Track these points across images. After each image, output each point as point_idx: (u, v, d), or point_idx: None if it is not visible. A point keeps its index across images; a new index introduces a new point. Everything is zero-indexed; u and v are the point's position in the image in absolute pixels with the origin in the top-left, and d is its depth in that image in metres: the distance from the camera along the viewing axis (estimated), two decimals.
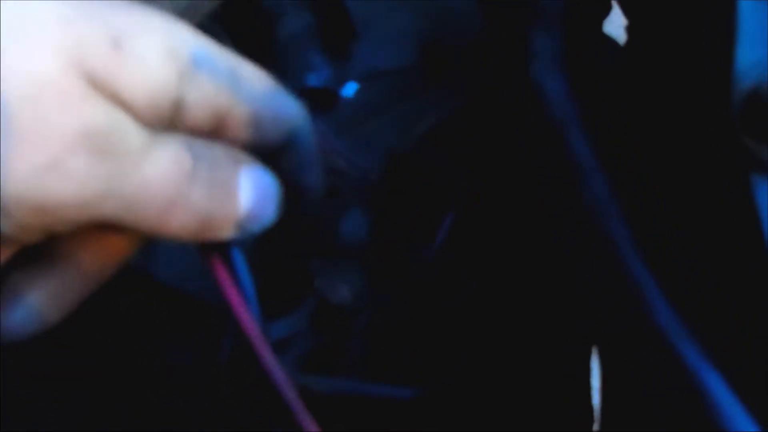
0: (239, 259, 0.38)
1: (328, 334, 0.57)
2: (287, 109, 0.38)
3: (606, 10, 0.58)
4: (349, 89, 0.59)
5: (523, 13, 0.53)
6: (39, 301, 0.35)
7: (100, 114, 0.31)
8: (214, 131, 0.35)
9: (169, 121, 0.34)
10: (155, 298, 0.56)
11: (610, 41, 0.58)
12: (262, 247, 0.56)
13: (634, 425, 0.52)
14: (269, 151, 0.38)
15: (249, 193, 0.36)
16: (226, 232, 0.35)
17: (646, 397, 0.48)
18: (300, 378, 0.55)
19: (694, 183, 0.49)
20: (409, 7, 0.60)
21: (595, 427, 0.58)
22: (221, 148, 0.36)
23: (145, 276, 0.55)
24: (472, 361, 0.58)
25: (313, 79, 0.57)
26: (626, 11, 0.56)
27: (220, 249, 0.37)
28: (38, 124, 0.30)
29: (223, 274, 0.37)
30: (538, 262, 0.58)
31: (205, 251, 0.37)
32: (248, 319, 0.37)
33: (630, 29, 0.56)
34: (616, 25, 0.59)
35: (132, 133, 0.32)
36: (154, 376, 0.56)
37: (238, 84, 0.36)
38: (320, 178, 0.41)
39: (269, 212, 0.37)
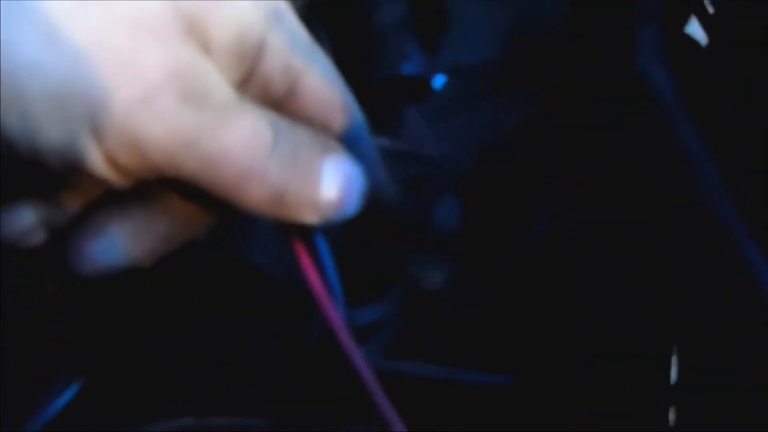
0: (323, 244, 0.38)
1: (418, 320, 0.57)
2: (351, 104, 0.39)
3: (689, 11, 0.56)
4: (438, 81, 0.59)
5: (624, 8, 0.53)
6: (122, 235, 0.36)
7: (189, 56, 0.32)
8: (283, 99, 0.36)
9: (249, 69, 0.35)
10: (248, 280, 0.57)
11: (692, 41, 0.56)
12: (353, 231, 0.57)
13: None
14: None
15: (332, 180, 0.36)
16: (306, 215, 0.36)
17: (753, 387, 0.47)
18: (388, 362, 0.55)
19: None
20: (496, 1, 0.59)
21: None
22: (306, 131, 0.36)
23: (239, 258, 0.56)
24: (562, 351, 0.58)
25: (408, 68, 0.57)
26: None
27: (304, 234, 0.38)
28: (135, 57, 0.31)
29: (305, 259, 0.38)
30: (636, 254, 0.57)
31: (288, 235, 0.38)
32: (329, 304, 0.37)
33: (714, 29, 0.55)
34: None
35: (219, 87, 0.33)
36: (243, 358, 0.57)
37: (312, 56, 0.37)
38: (387, 181, 0.42)
39: (352, 203, 0.37)
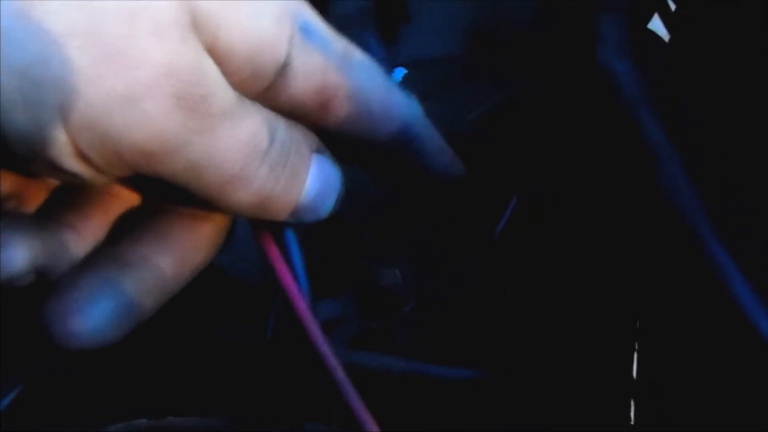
0: (291, 238, 0.38)
1: (376, 316, 0.57)
2: (399, 104, 0.37)
3: (652, 8, 0.57)
4: (397, 74, 0.58)
5: (586, 1, 0.53)
6: (104, 319, 0.33)
7: (189, 56, 0.30)
8: (317, 113, 0.35)
9: (270, 86, 0.33)
10: (203, 277, 0.56)
11: (655, 37, 0.57)
12: (313, 226, 0.56)
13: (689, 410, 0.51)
14: (380, 144, 0.37)
15: (314, 183, 0.35)
16: (283, 216, 0.35)
17: (715, 379, 0.47)
18: (352, 355, 0.55)
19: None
20: None
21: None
22: (300, 131, 0.35)
23: None
24: (527, 346, 0.58)
25: None
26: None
27: (273, 227, 0.37)
28: (127, 48, 0.28)
29: (274, 252, 0.37)
30: (602, 246, 0.57)
31: (258, 228, 0.37)
32: (298, 296, 0.37)
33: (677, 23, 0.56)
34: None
35: (218, 91, 0.31)
36: (200, 353, 0.56)
37: (349, 65, 0.35)
38: (451, 162, 0.41)
39: (328, 204, 0.36)
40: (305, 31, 0.33)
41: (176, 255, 0.35)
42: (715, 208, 0.45)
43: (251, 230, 0.37)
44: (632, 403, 0.56)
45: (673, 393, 0.52)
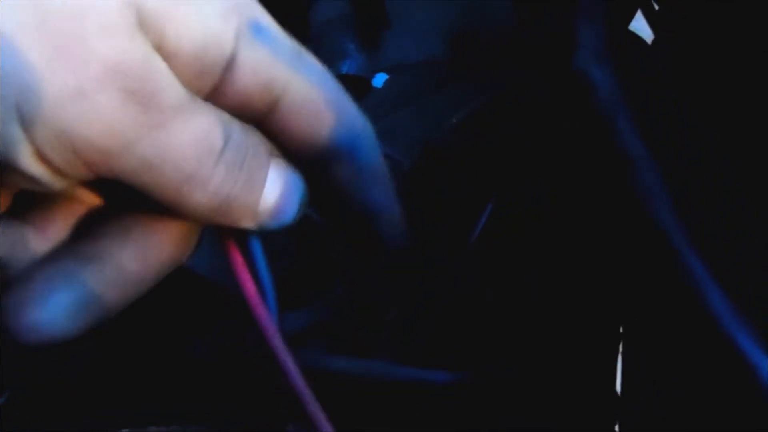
0: (257, 246, 0.37)
1: (356, 324, 0.57)
2: (349, 112, 0.36)
3: (634, 8, 0.57)
4: (378, 80, 0.58)
5: (565, 5, 0.52)
6: (64, 310, 0.33)
7: (138, 54, 0.30)
8: (264, 112, 0.34)
9: (218, 83, 0.33)
10: (182, 284, 0.55)
11: (637, 38, 0.56)
12: (289, 234, 0.56)
13: (668, 416, 0.51)
14: (324, 156, 0.36)
15: (274, 188, 0.35)
16: (245, 222, 0.35)
17: (690, 387, 0.47)
18: (330, 360, 0.54)
19: (743, 171, 0.48)
20: None
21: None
22: (258, 136, 0.35)
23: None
24: (508, 350, 0.57)
25: (347, 67, 0.57)
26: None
27: (238, 235, 0.37)
28: (76, 45, 0.29)
29: (238, 262, 0.37)
30: (579, 253, 0.57)
31: (222, 237, 0.37)
32: (261, 307, 0.36)
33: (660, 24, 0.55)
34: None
35: (168, 87, 0.31)
36: (176, 364, 0.56)
37: (298, 64, 0.34)
38: (391, 200, 0.38)
39: (291, 212, 0.36)
40: (253, 27, 0.33)
41: (140, 251, 0.35)
42: (694, 213, 0.45)
43: (216, 241, 0.37)
44: (616, 410, 0.56)
45: (655, 399, 0.52)
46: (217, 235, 0.37)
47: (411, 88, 0.59)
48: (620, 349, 0.57)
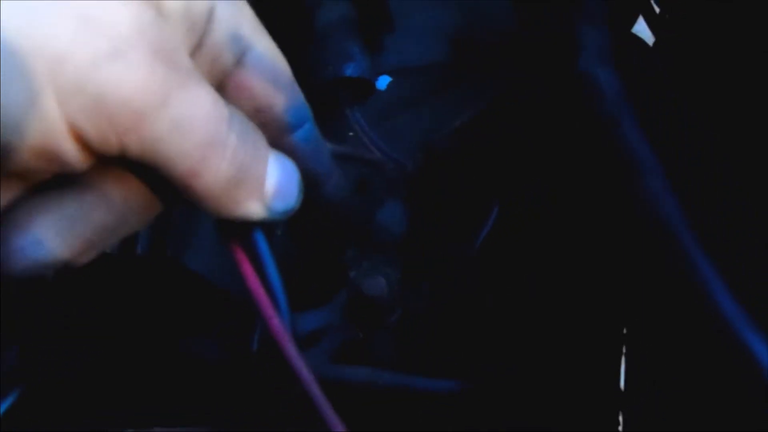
0: (263, 247, 0.37)
1: (362, 326, 0.57)
2: (295, 86, 0.38)
3: (636, 11, 0.57)
4: (382, 82, 0.58)
5: (568, 9, 0.53)
6: (51, 228, 0.33)
7: (151, 15, 0.31)
8: (230, 68, 0.35)
9: (199, 38, 0.34)
10: (189, 288, 0.56)
11: (639, 41, 0.57)
12: (296, 237, 0.56)
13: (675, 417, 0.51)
14: (278, 125, 0.37)
15: (276, 171, 0.36)
16: (254, 205, 0.35)
17: (698, 388, 0.47)
18: (337, 369, 0.54)
19: (746, 172, 0.48)
20: (441, 2, 0.59)
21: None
22: (250, 116, 0.36)
23: (179, 266, 0.55)
24: (511, 356, 0.57)
25: (351, 69, 0.57)
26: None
27: (244, 239, 0.37)
28: (99, 11, 0.30)
29: (246, 265, 0.36)
30: (582, 255, 0.57)
31: (228, 240, 0.37)
32: (270, 311, 0.36)
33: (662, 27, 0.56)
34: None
35: (181, 50, 0.32)
36: (183, 366, 0.56)
37: (260, 27, 0.37)
38: (331, 167, 0.41)
39: (293, 195, 0.36)
40: None
41: (120, 191, 0.35)
42: (698, 213, 0.45)
43: (223, 245, 0.37)
44: (620, 412, 0.56)
45: (660, 399, 0.52)
46: (224, 238, 0.37)
47: (414, 91, 0.59)
48: (624, 349, 0.58)
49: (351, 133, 0.57)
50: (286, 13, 0.58)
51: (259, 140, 0.35)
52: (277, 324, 0.36)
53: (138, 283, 0.56)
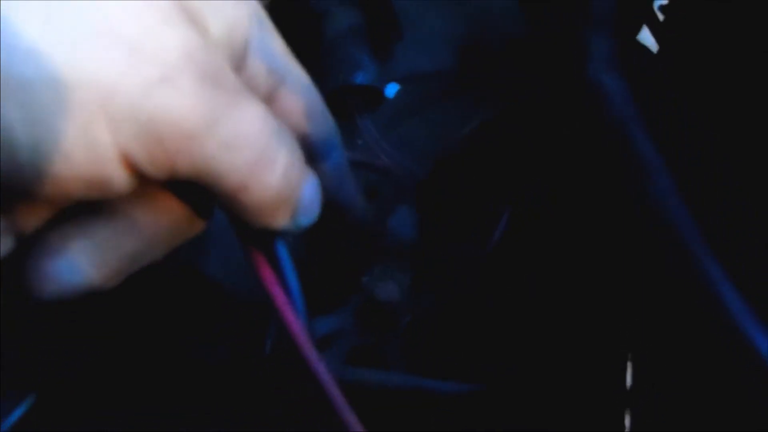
0: (284, 255, 0.37)
1: (374, 331, 0.57)
2: (326, 113, 0.39)
3: (641, 19, 0.57)
4: (391, 90, 0.59)
5: (576, 16, 0.53)
6: (85, 253, 0.33)
7: (197, 39, 0.31)
8: (266, 99, 0.36)
9: (238, 66, 0.34)
10: (202, 293, 0.56)
11: (643, 48, 0.57)
12: (309, 243, 0.57)
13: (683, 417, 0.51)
14: (309, 153, 0.37)
15: (308, 187, 0.36)
16: (286, 220, 0.35)
17: (707, 389, 0.48)
18: (349, 371, 0.55)
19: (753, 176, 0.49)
20: (448, 9, 0.60)
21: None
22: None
23: (194, 271, 0.56)
24: (522, 359, 0.58)
25: (361, 77, 0.57)
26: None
27: (264, 244, 0.37)
28: (146, 39, 0.30)
29: (266, 271, 0.37)
30: (592, 260, 0.57)
31: (248, 246, 0.37)
32: (291, 315, 0.36)
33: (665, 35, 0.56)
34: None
35: (229, 72, 0.32)
36: (196, 370, 0.57)
37: (292, 59, 0.37)
38: (357, 194, 0.42)
39: (316, 211, 0.37)
40: (258, 19, 0.35)
41: (149, 208, 0.35)
42: (705, 219, 0.46)
43: (243, 250, 0.37)
44: (627, 413, 0.57)
45: (667, 404, 0.52)
46: (244, 244, 0.37)
47: (423, 98, 0.59)
48: (630, 349, 0.58)
49: (360, 141, 0.58)
50: (297, 24, 0.58)
51: (302, 156, 0.35)
52: (298, 330, 0.36)
53: (152, 289, 0.56)
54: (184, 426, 0.55)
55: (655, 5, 0.58)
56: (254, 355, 0.56)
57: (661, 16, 0.58)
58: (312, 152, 0.38)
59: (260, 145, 0.33)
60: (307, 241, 0.57)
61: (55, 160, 0.29)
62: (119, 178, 0.31)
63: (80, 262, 0.33)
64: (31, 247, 0.33)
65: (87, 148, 0.29)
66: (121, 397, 0.56)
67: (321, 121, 0.38)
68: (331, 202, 0.38)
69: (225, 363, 0.57)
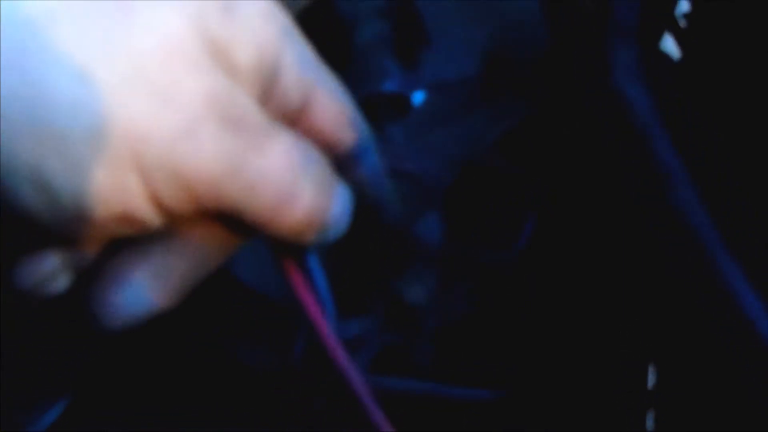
0: (315, 262, 0.38)
1: (400, 334, 0.58)
2: (358, 118, 0.39)
3: (663, 27, 0.58)
4: (418, 97, 0.59)
5: (600, 24, 0.53)
6: (147, 282, 0.34)
7: (222, 82, 0.31)
8: (298, 112, 0.36)
9: (269, 87, 0.34)
10: (233, 296, 0.57)
11: (666, 56, 0.57)
12: (337, 247, 0.57)
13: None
14: (341, 160, 0.38)
15: (338, 202, 0.36)
16: (314, 235, 0.36)
17: (728, 392, 0.48)
18: (375, 378, 0.55)
19: None
20: (473, 17, 0.60)
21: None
22: (321, 151, 0.36)
23: (223, 273, 0.57)
24: (549, 364, 0.58)
25: (389, 85, 0.58)
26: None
27: (296, 253, 0.38)
28: (174, 88, 0.30)
29: (298, 279, 0.38)
30: (615, 265, 0.58)
31: (280, 255, 0.38)
32: (323, 323, 0.37)
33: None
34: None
35: (252, 109, 0.33)
36: (227, 374, 0.57)
37: (323, 67, 0.37)
38: (392, 194, 0.42)
39: (345, 222, 0.37)
40: (287, 32, 0.35)
41: (206, 235, 0.36)
42: (729, 226, 0.46)
43: (274, 259, 0.38)
44: (649, 415, 0.57)
45: (688, 407, 0.52)
46: (275, 252, 0.38)
47: (449, 106, 0.59)
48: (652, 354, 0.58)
49: (388, 148, 0.58)
50: (326, 32, 0.59)
51: (331, 176, 0.36)
52: (330, 336, 0.37)
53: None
54: (215, 427, 0.56)
55: (678, 13, 0.58)
56: (284, 359, 0.56)
57: (683, 24, 0.58)
58: (346, 157, 0.38)
59: (284, 183, 0.33)
60: (338, 244, 0.57)
61: (93, 204, 0.30)
62: (151, 216, 0.32)
63: (144, 289, 0.34)
64: (91, 278, 0.34)
65: (120, 191, 0.30)
66: (151, 399, 0.57)
67: (354, 125, 0.38)
68: (365, 203, 0.39)
69: (257, 366, 0.57)
